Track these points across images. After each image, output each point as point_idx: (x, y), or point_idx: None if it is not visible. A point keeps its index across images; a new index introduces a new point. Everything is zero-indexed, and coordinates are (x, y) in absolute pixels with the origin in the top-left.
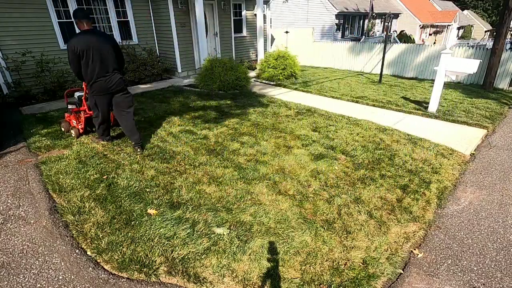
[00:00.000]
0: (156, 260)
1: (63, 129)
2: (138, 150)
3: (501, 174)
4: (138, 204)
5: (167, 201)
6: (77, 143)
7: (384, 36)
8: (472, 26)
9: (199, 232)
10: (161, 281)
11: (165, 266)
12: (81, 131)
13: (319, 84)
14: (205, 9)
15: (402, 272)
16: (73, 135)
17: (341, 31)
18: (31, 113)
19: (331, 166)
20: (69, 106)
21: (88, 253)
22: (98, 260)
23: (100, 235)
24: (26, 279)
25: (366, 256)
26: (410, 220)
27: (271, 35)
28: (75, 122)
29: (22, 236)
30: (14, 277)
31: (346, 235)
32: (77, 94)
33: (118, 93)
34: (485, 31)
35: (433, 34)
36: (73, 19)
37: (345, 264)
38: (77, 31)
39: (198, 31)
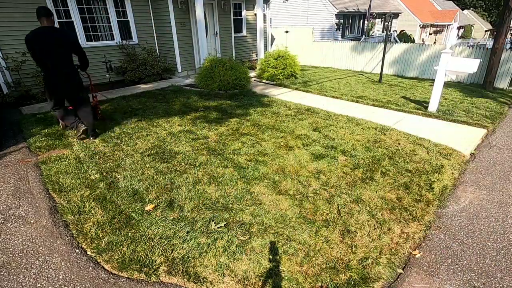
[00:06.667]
0: (156, 260)
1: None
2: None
3: (501, 173)
4: (138, 203)
5: (167, 200)
6: (77, 143)
7: (384, 36)
8: (472, 25)
9: (199, 232)
10: (161, 280)
11: (165, 266)
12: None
13: (319, 84)
14: (205, 9)
15: (402, 272)
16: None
17: (341, 31)
18: (31, 113)
19: (331, 165)
20: None
21: (88, 252)
22: (98, 260)
23: (100, 235)
24: (26, 279)
25: (366, 256)
26: (410, 220)
27: (271, 34)
28: None
29: (22, 236)
30: (14, 277)
31: (346, 235)
32: None
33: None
34: (485, 31)
35: (433, 34)
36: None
37: (345, 264)
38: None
39: (198, 31)
